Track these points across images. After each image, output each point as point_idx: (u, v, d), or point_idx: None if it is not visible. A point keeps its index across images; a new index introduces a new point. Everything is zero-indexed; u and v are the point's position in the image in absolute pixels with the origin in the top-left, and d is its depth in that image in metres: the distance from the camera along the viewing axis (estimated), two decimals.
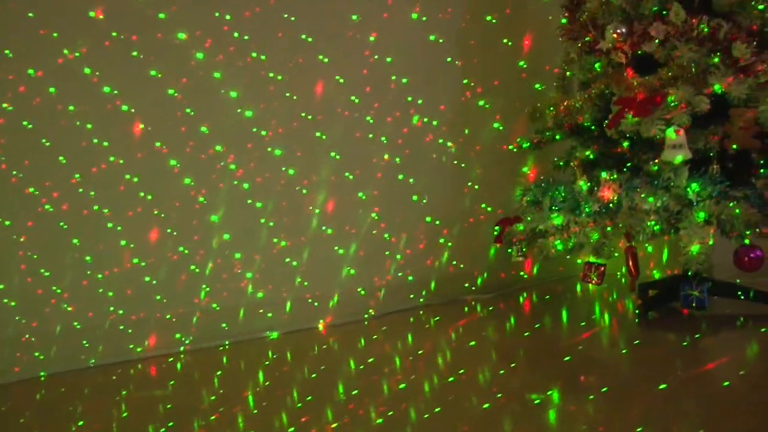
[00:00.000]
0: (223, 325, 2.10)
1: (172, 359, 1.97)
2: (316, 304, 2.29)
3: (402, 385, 1.65)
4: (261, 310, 2.19)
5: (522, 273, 2.74)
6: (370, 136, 2.41)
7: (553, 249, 2.08)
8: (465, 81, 2.58)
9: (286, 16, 2.17)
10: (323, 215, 2.31)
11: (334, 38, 2.30)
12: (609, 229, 2.02)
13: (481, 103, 2.62)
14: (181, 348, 2.03)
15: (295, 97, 2.23)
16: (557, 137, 2.36)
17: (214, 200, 2.09)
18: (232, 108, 2.10)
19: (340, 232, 2.35)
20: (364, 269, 2.41)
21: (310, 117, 2.27)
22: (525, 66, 2.68)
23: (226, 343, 2.08)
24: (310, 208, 2.28)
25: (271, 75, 2.17)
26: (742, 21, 2.01)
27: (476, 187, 2.65)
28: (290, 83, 2.21)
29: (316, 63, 2.26)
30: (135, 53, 1.94)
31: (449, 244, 2.60)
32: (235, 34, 2.10)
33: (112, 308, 1.96)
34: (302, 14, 2.21)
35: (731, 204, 1.87)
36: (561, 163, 2.40)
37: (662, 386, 1.52)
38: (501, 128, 2.65)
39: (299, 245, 2.27)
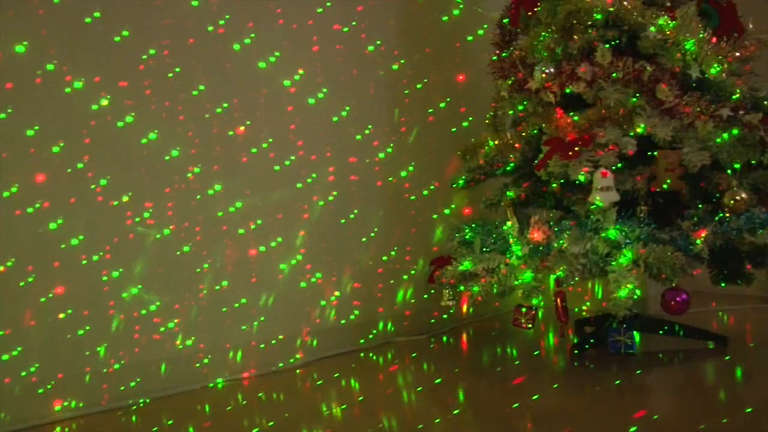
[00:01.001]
0: (132, 384, 1.96)
1: (80, 422, 1.83)
2: (239, 353, 2.19)
3: None
4: (183, 363, 2.07)
5: (445, 315, 2.69)
6: (307, 180, 2.34)
7: (483, 293, 2.03)
8: (365, 129, 2.53)
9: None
10: (247, 260, 2.21)
11: (256, 73, 2.22)
12: (547, 275, 1.98)
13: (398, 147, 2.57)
14: (73, 411, 1.87)
15: (218, 138, 2.14)
16: (497, 172, 2.33)
17: (119, 253, 1.95)
18: (141, 154, 1.99)
19: (265, 276, 2.25)
20: (292, 314, 2.32)
21: (232, 157, 2.18)
22: (444, 107, 2.66)
23: (141, 401, 1.95)
24: (235, 252, 2.18)
25: (189, 116, 2.08)
26: (665, 63, 2.03)
27: (405, 227, 2.60)
28: (210, 125, 2.12)
29: (236, 103, 2.18)
30: (10, 110, 1.78)
31: (380, 285, 2.53)
32: (145, 76, 2.00)
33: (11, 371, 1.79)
34: (211, 55, 2.13)
35: (658, 247, 1.87)
36: (512, 193, 2.35)
37: None
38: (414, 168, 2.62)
39: (223, 293, 2.16)
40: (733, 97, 2.02)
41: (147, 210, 1.98)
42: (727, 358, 2.08)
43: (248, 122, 2.19)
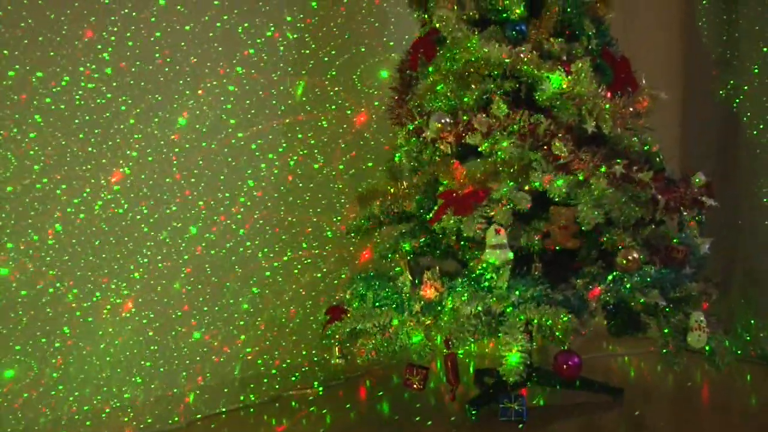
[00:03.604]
0: None
1: None
2: (109, 415, 2.00)
3: None
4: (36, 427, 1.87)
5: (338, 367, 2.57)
6: (190, 227, 2.19)
7: (373, 351, 1.93)
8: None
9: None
10: (122, 312, 2.03)
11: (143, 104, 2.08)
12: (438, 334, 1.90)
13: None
14: None
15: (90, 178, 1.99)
16: (384, 225, 2.25)
17: None
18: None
19: (140, 329, 2.08)
20: (171, 370, 2.15)
21: (109, 204, 2.02)
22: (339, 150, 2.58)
23: None
24: (107, 303, 2.01)
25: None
26: (561, 117, 1.99)
27: (295, 276, 2.48)
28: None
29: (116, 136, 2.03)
30: None
31: (269, 336, 2.39)
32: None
33: None
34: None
35: (551, 309, 1.82)
36: (407, 244, 2.25)
37: None
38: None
39: (95, 348, 1.98)
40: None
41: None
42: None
43: (129, 162, 2.04)
